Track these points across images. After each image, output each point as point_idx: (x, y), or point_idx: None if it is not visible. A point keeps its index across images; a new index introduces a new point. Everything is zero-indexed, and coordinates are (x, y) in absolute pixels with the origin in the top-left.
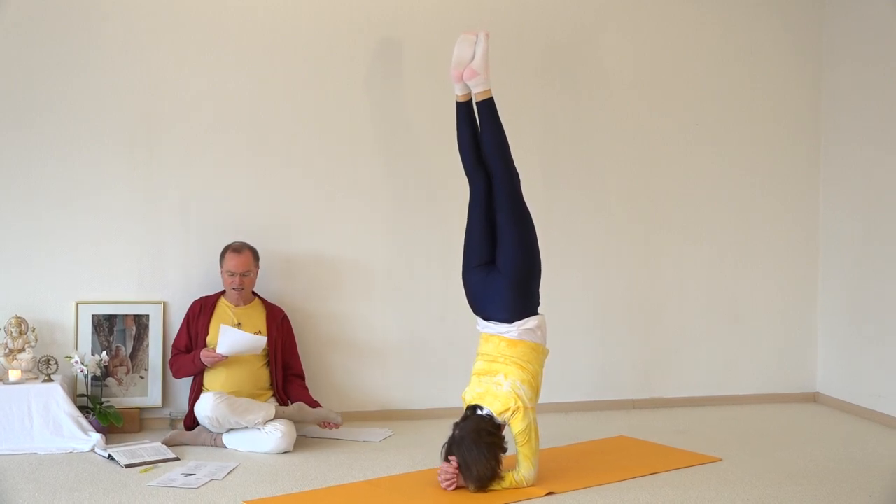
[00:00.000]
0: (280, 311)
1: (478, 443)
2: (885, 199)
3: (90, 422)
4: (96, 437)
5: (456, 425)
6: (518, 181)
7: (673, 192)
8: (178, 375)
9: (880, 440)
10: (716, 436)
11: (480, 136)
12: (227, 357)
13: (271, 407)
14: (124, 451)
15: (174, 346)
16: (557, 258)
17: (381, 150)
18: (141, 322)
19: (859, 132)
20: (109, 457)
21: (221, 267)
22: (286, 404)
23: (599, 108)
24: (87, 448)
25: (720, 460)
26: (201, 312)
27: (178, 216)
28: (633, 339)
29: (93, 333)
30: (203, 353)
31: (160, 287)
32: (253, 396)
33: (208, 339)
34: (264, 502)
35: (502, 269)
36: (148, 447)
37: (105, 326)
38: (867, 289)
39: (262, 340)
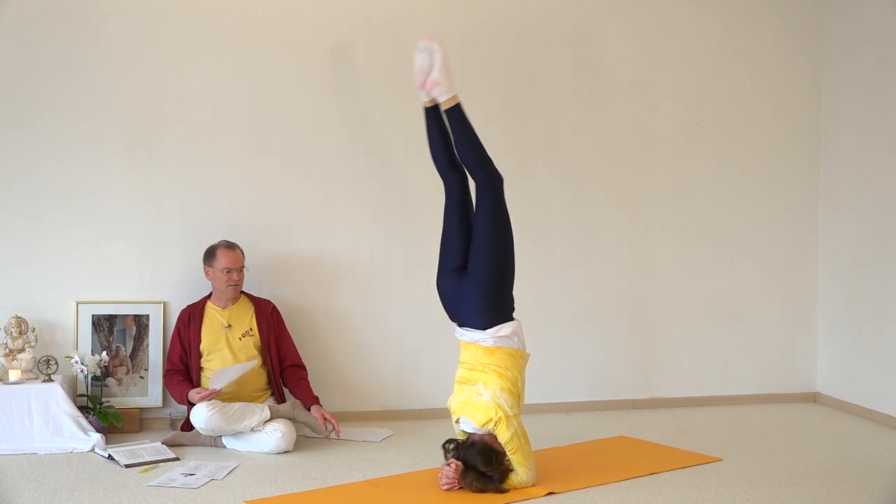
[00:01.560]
0: (268, 303)
1: (486, 483)
2: (885, 200)
3: (90, 422)
4: (96, 437)
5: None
6: (501, 183)
7: (672, 191)
8: (172, 396)
9: (880, 440)
10: (716, 436)
11: (454, 143)
12: (219, 391)
13: (266, 408)
14: (124, 451)
15: (168, 359)
16: (557, 258)
17: (382, 150)
18: (141, 322)
19: (859, 132)
20: (109, 457)
21: (212, 267)
22: (284, 401)
23: (599, 108)
24: (87, 448)
25: (720, 460)
26: (191, 321)
27: (179, 216)
28: (633, 339)
29: (93, 333)
30: (192, 394)
31: (160, 287)
32: (251, 399)
33: (202, 346)
34: (264, 502)
35: (473, 271)
36: (148, 447)
37: (105, 326)
38: (867, 289)
39: (253, 363)
